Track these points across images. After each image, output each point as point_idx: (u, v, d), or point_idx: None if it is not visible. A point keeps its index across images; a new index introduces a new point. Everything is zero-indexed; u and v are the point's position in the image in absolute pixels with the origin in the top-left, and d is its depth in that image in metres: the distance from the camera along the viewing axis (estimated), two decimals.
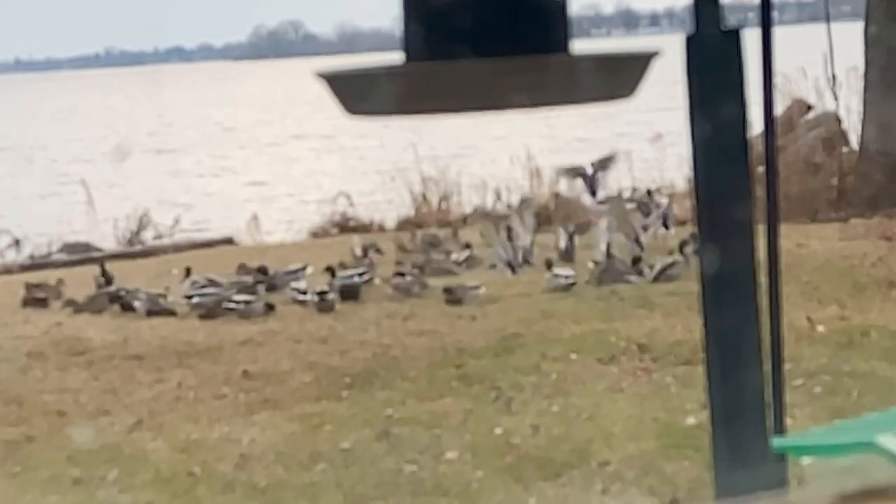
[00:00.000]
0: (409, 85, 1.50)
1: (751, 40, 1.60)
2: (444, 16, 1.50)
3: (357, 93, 1.54)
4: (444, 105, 1.53)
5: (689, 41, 1.41)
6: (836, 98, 13.29)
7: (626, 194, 14.52)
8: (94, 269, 10.11)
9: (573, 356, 7.38)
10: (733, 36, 1.41)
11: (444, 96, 1.48)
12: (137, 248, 12.67)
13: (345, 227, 13.13)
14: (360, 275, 9.59)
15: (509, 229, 10.22)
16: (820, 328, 7.54)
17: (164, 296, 9.34)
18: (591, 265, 9.66)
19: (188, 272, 9.59)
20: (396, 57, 1.56)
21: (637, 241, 10.14)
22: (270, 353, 7.87)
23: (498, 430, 6.24)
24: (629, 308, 8.45)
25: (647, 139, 14.50)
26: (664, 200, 11.45)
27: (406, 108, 1.58)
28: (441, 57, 1.48)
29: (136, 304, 9.18)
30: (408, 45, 1.54)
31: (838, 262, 9.40)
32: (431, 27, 1.52)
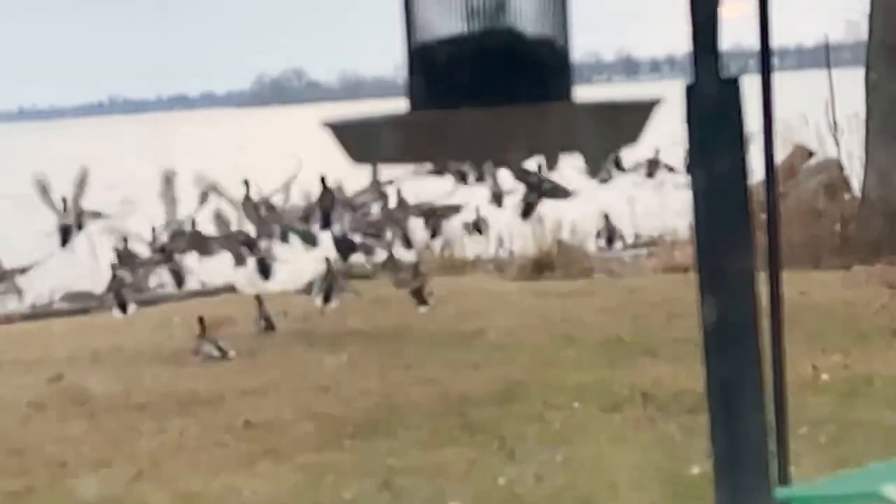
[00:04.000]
0: (413, 134, 1.50)
1: (751, 87, 1.61)
2: (448, 65, 1.51)
3: (362, 142, 1.55)
4: (448, 153, 1.54)
5: (689, 90, 1.41)
6: (837, 144, 13.33)
7: (629, 240, 14.56)
8: (98, 318, 10.09)
9: (576, 404, 7.36)
10: (733, 84, 1.41)
11: (448, 145, 1.49)
12: (141, 296, 12.65)
13: (347, 273, 13.10)
14: None
15: None
16: (824, 376, 7.51)
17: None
18: None
19: (202, 328, 9.43)
20: (400, 105, 1.57)
21: None
22: (273, 402, 7.84)
23: (501, 480, 6.22)
24: (633, 356, 8.43)
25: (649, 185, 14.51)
26: None
27: (410, 156, 1.59)
28: (444, 106, 1.49)
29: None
30: (412, 93, 1.55)
31: (842, 309, 9.38)
32: (435, 76, 1.52)
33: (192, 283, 10.36)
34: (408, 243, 9.88)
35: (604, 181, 9.99)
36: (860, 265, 11.19)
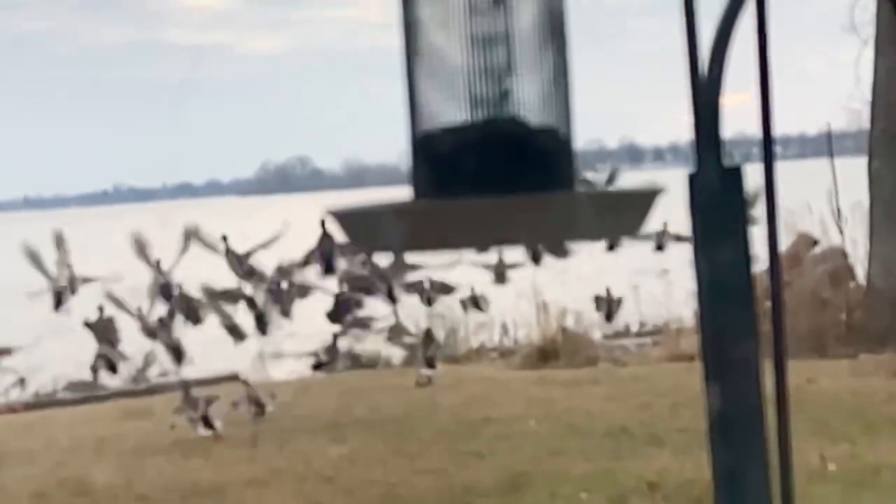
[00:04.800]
0: (416, 222, 1.50)
1: (754, 175, 1.61)
2: (451, 154, 1.52)
3: (366, 229, 1.55)
4: (451, 242, 1.54)
5: (691, 179, 1.42)
6: (841, 233, 13.35)
7: (634, 329, 14.53)
8: (100, 407, 10.06)
9: (583, 495, 7.30)
10: (735, 174, 1.42)
11: (451, 233, 1.49)
12: (143, 385, 12.61)
13: (353, 361, 13.08)
14: None
15: None
16: (831, 466, 7.46)
17: None
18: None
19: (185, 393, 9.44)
20: (404, 193, 1.57)
21: None
22: (275, 493, 7.78)
23: None
24: (639, 446, 8.38)
25: (654, 273, 14.51)
26: None
27: (413, 244, 1.59)
28: (448, 194, 1.49)
29: None
30: (415, 181, 1.56)
31: (848, 398, 9.34)
32: (439, 165, 1.53)
33: (193, 373, 10.35)
34: (392, 299, 9.90)
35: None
36: (866, 354, 11.16)
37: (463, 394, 10.50)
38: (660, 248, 10.32)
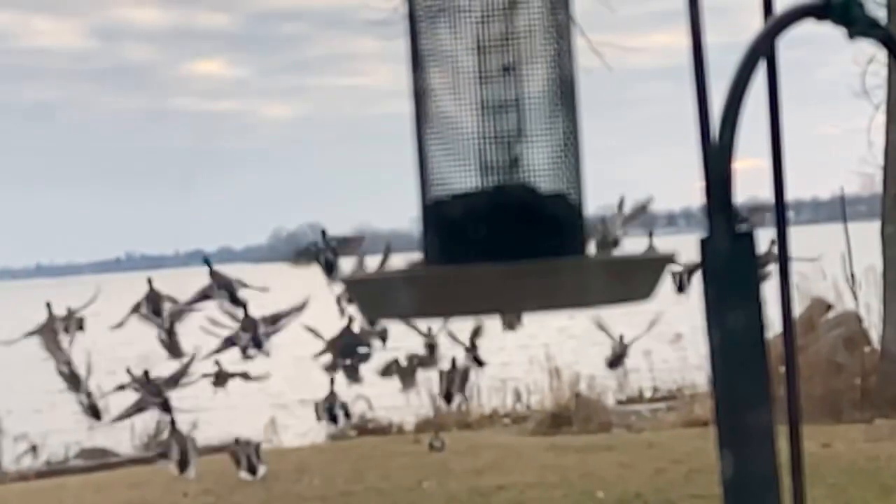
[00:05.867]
0: (426, 289, 1.50)
1: (767, 240, 1.60)
2: (461, 220, 1.51)
3: (376, 297, 1.55)
4: (461, 308, 1.53)
5: (703, 245, 1.41)
6: (855, 297, 13.30)
7: (648, 395, 14.47)
8: (112, 474, 10.02)
9: None
10: (747, 239, 1.41)
11: (461, 300, 1.49)
12: (154, 452, 12.56)
13: (363, 429, 13.03)
14: None
15: None
16: None
17: None
18: None
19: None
20: (414, 258, 1.57)
21: None
22: None
23: None
24: None
25: (666, 339, 14.47)
26: None
27: (423, 311, 1.59)
28: (458, 260, 1.49)
29: None
30: (426, 247, 1.55)
31: (864, 463, 9.27)
32: (449, 231, 1.53)
33: (204, 440, 10.33)
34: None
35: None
36: (882, 419, 11.08)
37: (475, 460, 10.44)
38: (680, 290, 10.18)
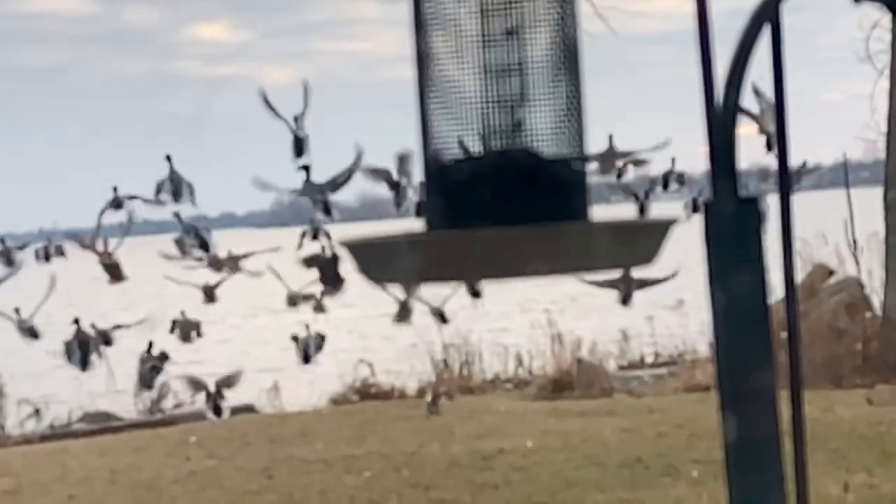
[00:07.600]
0: (429, 253, 1.50)
1: (770, 206, 1.60)
2: (464, 185, 1.51)
3: (379, 261, 1.55)
4: (464, 273, 1.54)
5: (707, 209, 1.41)
6: (857, 263, 13.31)
7: (649, 360, 14.50)
8: (115, 438, 10.06)
9: None
10: (751, 204, 1.41)
11: (464, 264, 1.48)
12: (157, 416, 12.61)
13: (366, 394, 13.07)
14: None
15: None
16: (849, 496, 7.41)
17: None
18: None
19: None
20: (418, 224, 1.57)
21: None
22: None
23: None
24: (655, 477, 8.34)
25: (668, 305, 14.49)
26: None
27: (426, 276, 1.58)
28: (461, 225, 1.49)
29: None
30: (429, 213, 1.55)
31: (865, 429, 9.29)
32: (452, 196, 1.52)
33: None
34: None
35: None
36: (883, 384, 11.10)
37: (478, 425, 10.48)
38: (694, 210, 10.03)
